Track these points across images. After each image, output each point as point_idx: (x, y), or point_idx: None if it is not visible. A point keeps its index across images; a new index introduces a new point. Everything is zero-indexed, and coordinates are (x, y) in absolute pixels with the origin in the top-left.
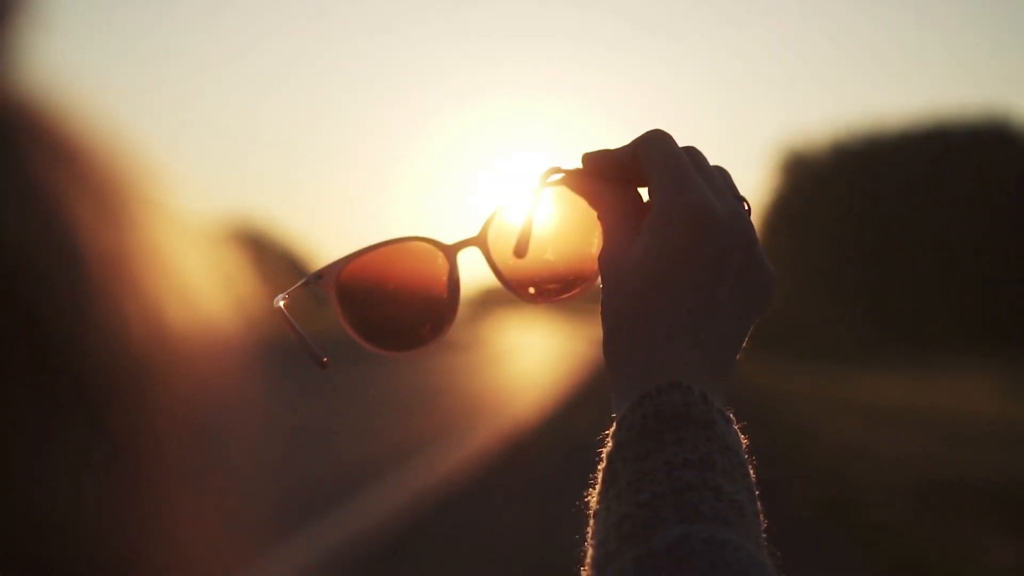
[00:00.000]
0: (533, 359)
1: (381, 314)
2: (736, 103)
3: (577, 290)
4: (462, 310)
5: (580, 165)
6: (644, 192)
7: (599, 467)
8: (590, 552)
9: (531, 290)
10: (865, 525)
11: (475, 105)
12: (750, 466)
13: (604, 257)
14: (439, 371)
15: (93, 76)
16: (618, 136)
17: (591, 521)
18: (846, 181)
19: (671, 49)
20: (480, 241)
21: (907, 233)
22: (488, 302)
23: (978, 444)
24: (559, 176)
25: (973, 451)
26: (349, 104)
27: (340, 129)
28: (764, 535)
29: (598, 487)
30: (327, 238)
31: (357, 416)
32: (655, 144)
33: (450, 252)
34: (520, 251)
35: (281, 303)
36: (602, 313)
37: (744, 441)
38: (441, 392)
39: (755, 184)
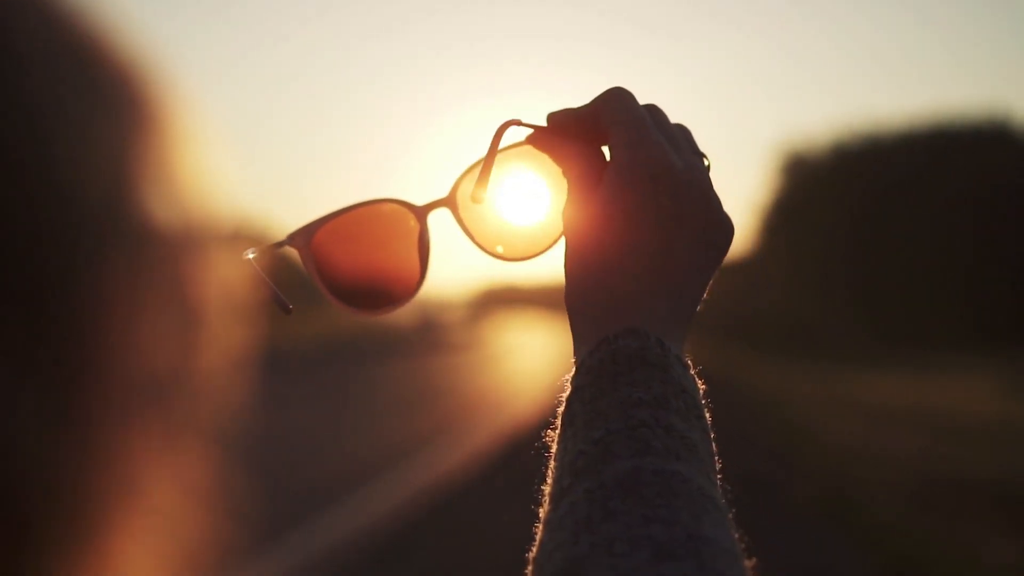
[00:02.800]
0: (532, 359)
1: (353, 275)
2: (736, 104)
3: (545, 248)
4: (462, 310)
5: (545, 124)
6: (607, 151)
7: (559, 410)
8: (547, 489)
9: (499, 248)
10: (865, 524)
11: (475, 105)
12: (706, 410)
13: (567, 211)
14: (440, 371)
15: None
16: None
17: (550, 461)
18: (846, 181)
19: (671, 49)
20: (450, 202)
21: (907, 233)
22: (487, 303)
23: (978, 444)
24: (526, 131)
25: (973, 451)
26: (350, 106)
27: (341, 130)
28: (719, 475)
29: (557, 428)
30: None
31: (358, 416)
32: (616, 101)
33: (421, 213)
34: (477, 196)
35: (251, 256)
36: (564, 265)
37: (702, 387)
38: (441, 392)
39: (755, 184)
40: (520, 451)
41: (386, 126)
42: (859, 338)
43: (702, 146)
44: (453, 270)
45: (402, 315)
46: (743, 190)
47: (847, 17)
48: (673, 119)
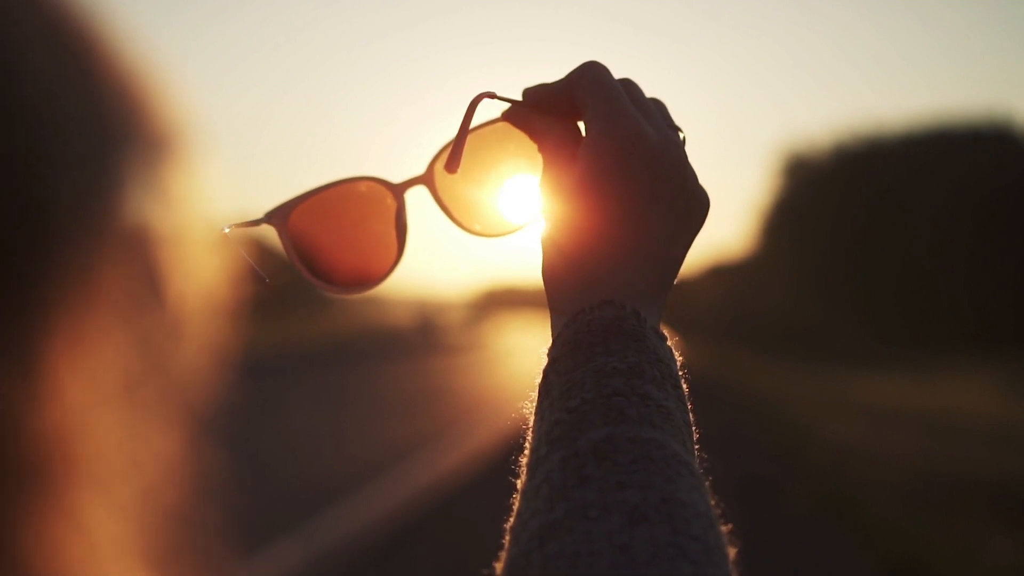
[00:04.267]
0: (532, 361)
1: (330, 253)
2: (738, 106)
3: (523, 224)
4: (463, 312)
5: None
6: (583, 125)
7: (536, 381)
8: (524, 459)
9: (477, 226)
10: (865, 522)
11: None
12: (683, 380)
13: (542, 186)
14: (440, 372)
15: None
16: None
17: (528, 433)
18: (847, 183)
19: (674, 52)
20: (427, 179)
21: (907, 235)
22: (488, 305)
23: (978, 444)
24: (503, 107)
25: (972, 450)
26: (350, 107)
27: (341, 132)
28: (696, 444)
29: (535, 400)
30: None
31: (358, 416)
32: (590, 75)
33: (398, 191)
34: (451, 166)
35: (227, 230)
36: (541, 240)
37: (679, 359)
38: (442, 393)
39: (757, 186)
40: (520, 452)
41: (385, 127)
42: (859, 339)
43: (706, 148)
44: (453, 271)
45: (403, 316)
46: (744, 191)
47: (848, 20)
48: (675, 121)
